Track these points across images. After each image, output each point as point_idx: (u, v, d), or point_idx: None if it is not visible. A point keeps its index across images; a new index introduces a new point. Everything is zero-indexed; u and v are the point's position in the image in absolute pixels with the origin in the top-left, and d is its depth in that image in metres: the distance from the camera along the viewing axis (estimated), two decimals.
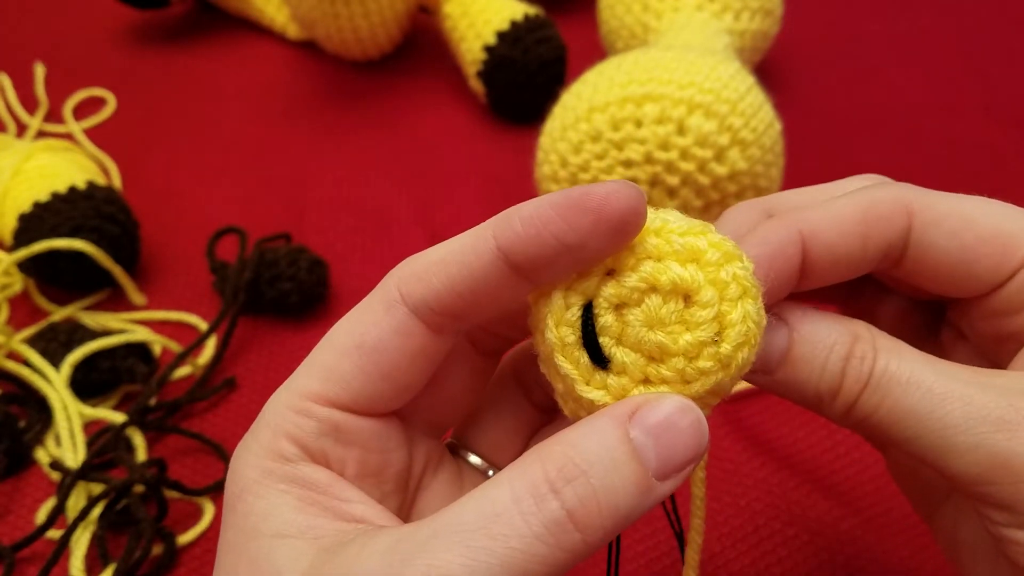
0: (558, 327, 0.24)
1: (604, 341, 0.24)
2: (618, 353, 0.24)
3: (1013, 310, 0.27)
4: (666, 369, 0.24)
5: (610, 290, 0.23)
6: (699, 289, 0.23)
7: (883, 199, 0.27)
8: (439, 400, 0.28)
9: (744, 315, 0.23)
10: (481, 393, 0.29)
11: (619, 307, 0.24)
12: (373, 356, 0.24)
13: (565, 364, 0.24)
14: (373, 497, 0.25)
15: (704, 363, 0.23)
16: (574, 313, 0.24)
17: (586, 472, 0.21)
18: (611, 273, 0.24)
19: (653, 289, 0.23)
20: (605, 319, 0.23)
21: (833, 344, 0.25)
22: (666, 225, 0.23)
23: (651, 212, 0.24)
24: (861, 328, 0.26)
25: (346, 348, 0.25)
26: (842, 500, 0.45)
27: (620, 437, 0.21)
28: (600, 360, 0.24)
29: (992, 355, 0.29)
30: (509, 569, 0.20)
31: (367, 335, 0.24)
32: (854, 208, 0.27)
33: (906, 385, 0.24)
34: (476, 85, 0.72)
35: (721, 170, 0.50)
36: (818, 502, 0.45)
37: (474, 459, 0.30)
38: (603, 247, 0.22)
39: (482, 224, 0.23)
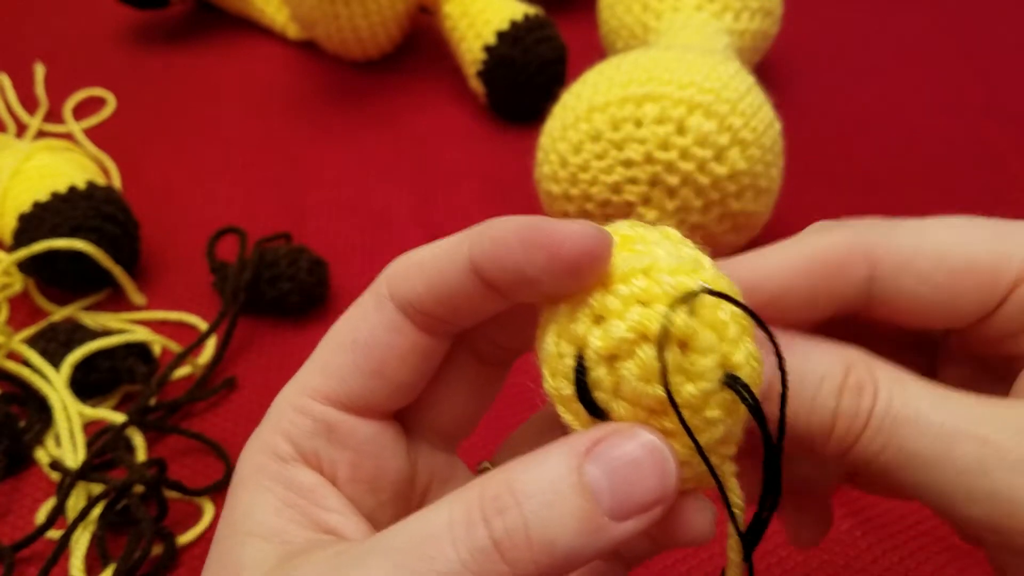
0: (554, 378, 0.22)
1: (599, 396, 0.22)
2: (616, 408, 0.22)
3: (1011, 333, 0.24)
4: (669, 422, 0.21)
5: (598, 342, 0.21)
6: (695, 335, 0.21)
7: (834, 246, 0.24)
8: (442, 409, 0.27)
9: (747, 356, 0.21)
10: (487, 404, 0.29)
11: (611, 359, 0.21)
12: (365, 352, 0.24)
13: (566, 415, 0.22)
14: (366, 505, 0.25)
15: (711, 413, 0.21)
16: (567, 364, 0.22)
17: (520, 503, 0.20)
18: (600, 319, 0.21)
19: (644, 338, 0.21)
20: (597, 373, 0.21)
21: (823, 376, 0.23)
22: (655, 264, 0.21)
23: (645, 236, 0.22)
24: (855, 355, 0.23)
25: (342, 344, 0.25)
26: (842, 500, 0.45)
27: (569, 468, 0.20)
28: (599, 413, 0.22)
29: (997, 371, 0.26)
30: None
31: (359, 331, 0.24)
32: (798, 257, 0.24)
33: (914, 424, 0.22)
34: (476, 85, 0.72)
35: (721, 170, 0.50)
36: None
37: None
38: (559, 286, 0.21)
39: (465, 231, 0.23)
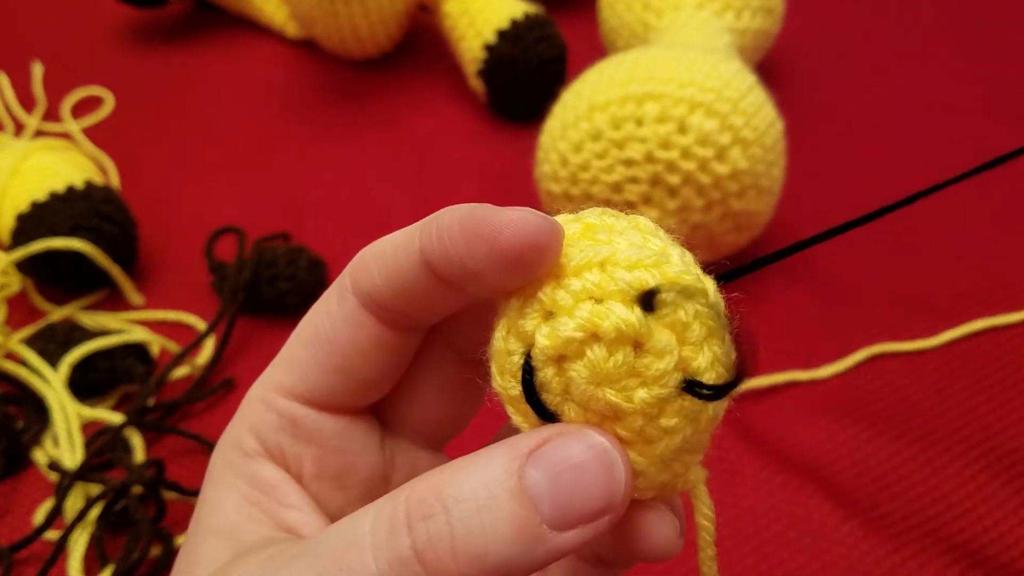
0: (502, 376, 0.20)
1: (547, 398, 0.20)
2: (567, 411, 0.20)
3: None
4: (622, 428, 0.20)
5: (544, 341, 0.19)
6: (650, 335, 0.19)
7: None
8: (422, 407, 0.26)
9: (712, 361, 0.19)
10: (474, 403, 0.27)
11: (559, 359, 0.20)
12: (327, 347, 0.23)
13: (516, 417, 0.21)
14: (335, 502, 0.24)
15: (668, 421, 0.19)
16: (515, 362, 0.20)
17: (448, 508, 0.18)
18: (550, 316, 0.20)
19: (595, 338, 0.19)
20: (544, 374, 0.20)
21: None
22: (613, 256, 0.19)
23: (610, 225, 0.20)
24: None
25: (305, 338, 0.24)
26: (844, 502, 0.45)
27: (508, 472, 0.18)
28: (549, 415, 0.20)
29: None
30: None
31: (321, 325, 0.23)
32: None
33: None
34: (476, 84, 0.72)
35: (722, 169, 0.50)
36: (820, 504, 0.45)
37: None
38: (502, 280, 0.20)
39: (419, 221, 0.21)
